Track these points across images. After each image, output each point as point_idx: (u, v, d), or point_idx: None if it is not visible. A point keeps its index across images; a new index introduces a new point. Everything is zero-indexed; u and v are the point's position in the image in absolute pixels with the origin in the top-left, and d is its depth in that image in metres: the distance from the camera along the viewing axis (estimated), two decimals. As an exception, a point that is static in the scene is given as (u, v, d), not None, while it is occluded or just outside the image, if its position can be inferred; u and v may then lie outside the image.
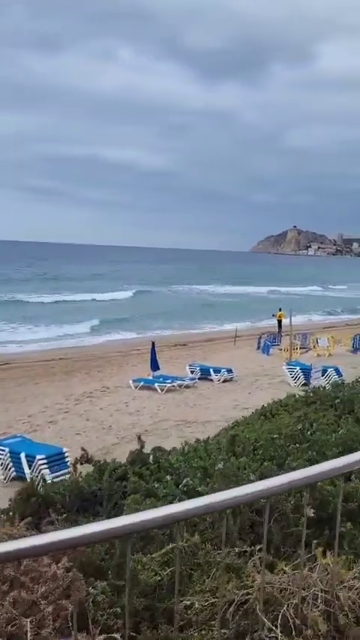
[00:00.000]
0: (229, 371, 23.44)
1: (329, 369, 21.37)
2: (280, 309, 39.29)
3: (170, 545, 2.70)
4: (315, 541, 2.63)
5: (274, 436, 4.13)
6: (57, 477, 11.33)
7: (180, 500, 3.05)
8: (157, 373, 22.72)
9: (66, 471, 11.54)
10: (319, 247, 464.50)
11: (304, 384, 18.06)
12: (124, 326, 42.60)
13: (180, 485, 3.50)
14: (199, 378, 23.38)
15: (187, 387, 22.03)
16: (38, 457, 11.17)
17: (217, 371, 23.27)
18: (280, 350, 29.91)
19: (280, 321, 38.68)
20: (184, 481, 3.57)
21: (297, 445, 3.95)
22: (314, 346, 29.41)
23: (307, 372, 20.78)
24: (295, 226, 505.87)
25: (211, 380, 23.10)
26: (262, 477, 3.00)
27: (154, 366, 22.51)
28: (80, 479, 3.94)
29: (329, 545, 2.56)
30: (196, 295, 74.69)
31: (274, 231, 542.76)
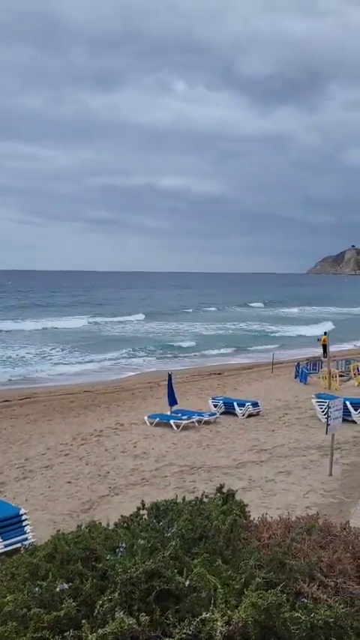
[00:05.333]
0: (255, 404, 21.28)
1: (364, 403, 18.84)
2: (325, 333, 36.68)
3: None
4: None
5: None
6: (10, 544, 9.73)
7: None
8: (176, 408, 20.86)
9: (23, 537, 9.89)
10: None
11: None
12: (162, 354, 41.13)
13: None
14: (223, 413, 21.36)
15: (206, 423, 20.03)
16: (-13, 521, 9.53)
17: (241, 404, 21.16)
18: (319, 378, 27.47)
19: (324, 346, 36.08)
20: None
21: None
22: (355, 374, 26.73)
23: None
24: (353, 246, 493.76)
25: (236, 414, 21.02)
26: None
27: (172, 400, 20.65)
28: None
29: None
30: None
31: (332, 251, 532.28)
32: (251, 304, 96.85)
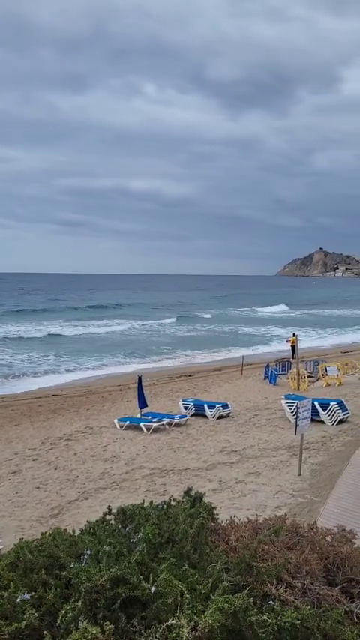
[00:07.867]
0: (225, 406, 21.33)
1: (332, 403, 19.05)
2: (293, 335, 37.09)
3: None
4: None
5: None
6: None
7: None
8: (146, 410, 20.76)
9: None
10: (346, 268, 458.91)
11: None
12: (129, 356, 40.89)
13: None
14: (193, 415, 21.37)
15: (177, 425, 20.00)
16: None
17: (211, 406, 21.19)
18: (288, 379, 27.72)
19: (293, 347, 36.47)
20: None
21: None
22: (323, 375, 27.05)
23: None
24: (321, 248, 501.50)
25: (206, 416, 21.05)
26: None
27: (142, 402, 20.54)
28: None
29: None
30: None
31: (301, 254, 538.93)
32: (268, 308, 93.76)
